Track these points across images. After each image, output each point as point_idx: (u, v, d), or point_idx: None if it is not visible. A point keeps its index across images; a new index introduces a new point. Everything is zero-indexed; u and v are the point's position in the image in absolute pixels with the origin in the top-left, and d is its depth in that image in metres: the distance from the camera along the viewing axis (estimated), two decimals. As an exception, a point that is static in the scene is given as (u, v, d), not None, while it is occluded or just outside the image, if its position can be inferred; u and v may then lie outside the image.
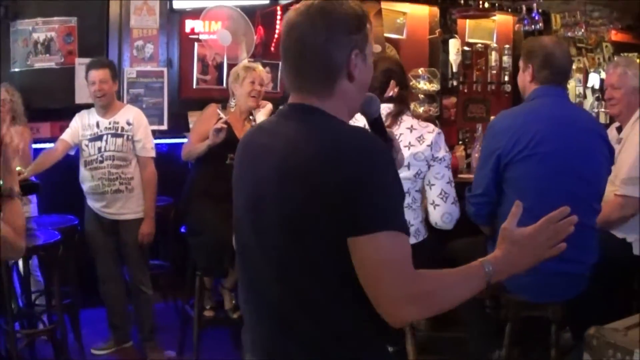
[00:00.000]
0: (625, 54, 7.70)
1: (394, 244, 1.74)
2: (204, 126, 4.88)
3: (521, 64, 3.76)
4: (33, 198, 5.34)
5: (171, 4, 6.14)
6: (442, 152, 3.78)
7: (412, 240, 3.75)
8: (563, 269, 3.47)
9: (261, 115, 5.16)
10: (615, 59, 7.48)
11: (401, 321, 1.78)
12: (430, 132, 3.77)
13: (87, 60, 5.37)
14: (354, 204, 1.73)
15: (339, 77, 1.92)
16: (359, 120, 2.88)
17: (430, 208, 3.81)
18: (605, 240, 3.86)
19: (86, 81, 4.99)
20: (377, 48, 5.99)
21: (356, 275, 1.76)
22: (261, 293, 1.98)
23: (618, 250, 4.04)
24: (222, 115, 4.87)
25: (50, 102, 5.71)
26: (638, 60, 6.44)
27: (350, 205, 1.73)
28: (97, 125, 4.99)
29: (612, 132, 4.36)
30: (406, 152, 3.65)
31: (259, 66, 5.13)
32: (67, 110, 5.64)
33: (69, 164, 5.12)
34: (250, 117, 5.01)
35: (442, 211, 3.79)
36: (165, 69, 6.17)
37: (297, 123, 1.93)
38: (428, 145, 3.70)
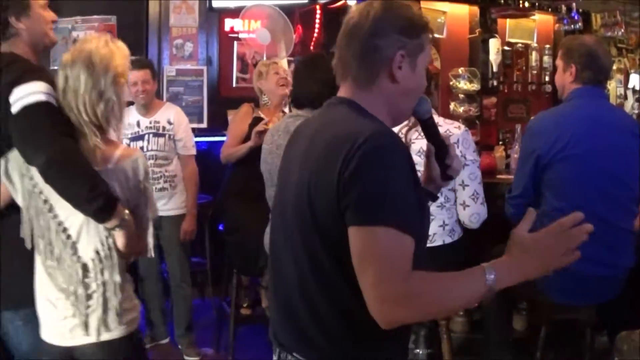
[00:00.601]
0: (666, 55, 7.62)
1: (387, 240, 1.71)
2: (240, 127, 4.92)
3: (560, 63, 3.73)
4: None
5: (210, 3, 6.21)
6: (472, 151, 3.77)
7: (448, 239, 3.77)
8: (598, 272, 3.47)
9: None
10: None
11: (388, 322, 1.73)
12: (457, 128, 3.75)
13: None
14: (350, 193, 1.75)
15: (380, 73, 1.95)
16: None
17: (460, 208, 3.80)
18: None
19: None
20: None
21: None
22: (279, 276, 2.06)
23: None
24: (259, 113, 4.91)
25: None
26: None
27: (348, 195, 1.76)
28: (138, 124, 5.02)
29: None
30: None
31: (277, 59, 5.18)
32: None
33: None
34: (284, 110, 5.04)
35: (471, 212, 3.78)
36: (204, 68, 6.22)
37: (327, 113, 2.03)
38: (455, 143, 3.67)
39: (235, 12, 6.08)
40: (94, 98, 2.50)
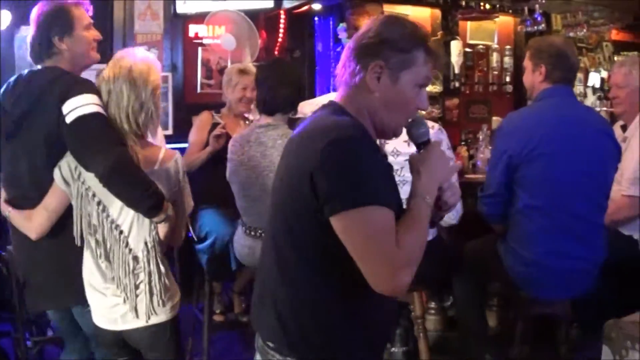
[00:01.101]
0: (626, 53, 7.75)
1: (375, 216, 1.86)
2: (200, 134, 4.92)
3: (529, 64, 3.79)
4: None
5: (175, 9, 6.17)
6: (447, 148, 3.81)
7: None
8: (572, 265, 3.55)
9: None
10: (621, 58, 7.55)
11: (402, 289, 1.89)
12: (431, 128, 3.80)
13: (92, 66, 5.39)
14: (326, 186, 1.88)
15: (359, 80, 2.07)
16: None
17: None
18: (612, 237, 3.91)
19: None
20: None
21: (334, 251, 1.92)
22: (262, 263, 2.22)
23: (625, 247, 4.09)
24: (217, 119, 4.91)
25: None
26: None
27: (324, 188, 1.88)
28: None
29: (617, 131, 4.40)
30: (406, 149, 3.68)
31: (253, 70, 5.16)
32: None
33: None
34: (246, 117, 5.05)
35: None
36: (169, 74, 6.18)
37: (312, 118, 2.14)
38: None
39: (199, 18, 6.07)
40: (136, 109, 2.82)
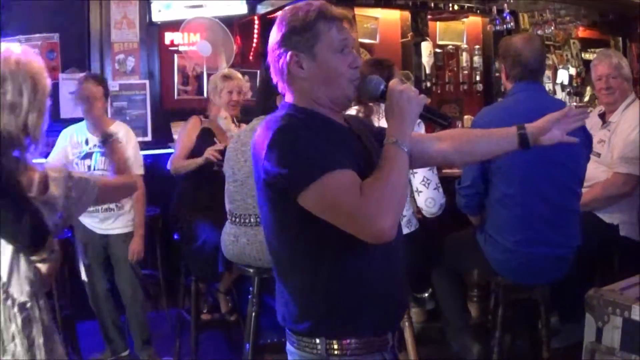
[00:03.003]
0: (593, 50, 7.92)
1: (329, 183, 1.94)
2: (189, 138, 4.99)
3: (499, 64, 3.95)
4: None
5: (150, 17, 6.23)
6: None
7: (405, 230, 3.91)
8: (549, 252, 3.67)
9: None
10: (588, 55, 7.75)
11: (379, 235, 1.92)
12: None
13: (70, 75, 5.50)
14: (279, 172, 2.00)
15: (288, 75, 2.18)
16: None
17: (415, 195, 3.99)
18: (594, 224, 4.06)
19: (75, 95, 4.99)
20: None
21: (306, 234, 2.07)
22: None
23: (606, 233, 4.24)
24: (208, 125, 5.02)
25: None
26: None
27: (276, 174, 2.01)
28: (87, 142, 4.92)
29: (594, 118, 4.58)
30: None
31: (237, 74, 5.22)
32: (51, 126, 5.72)
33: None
34: (235, 122, 5.13)
35: (425, 197, 3.96)
36: (147, 82, 6.24)
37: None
38: None
39: (175, 26, 6.14)
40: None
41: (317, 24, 2.13)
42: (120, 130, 4.97)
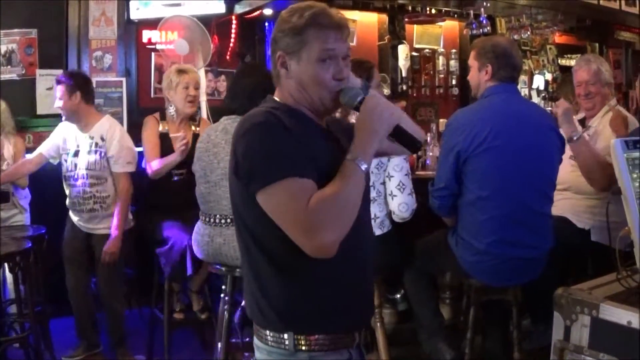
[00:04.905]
0: (569, 56, 7.99)
1: (281, 190, 2.00)
2: (155, 139, 5.00)
3: (475, 63, 3.93)
4: (27, 207, 5.42)
5: (129, 15, 6.21)
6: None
7: (378, 231, 3.95)
8: (522, 254, 3.71)
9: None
10: (565, 61, 7.81)
11: (323, 251, 1.98)
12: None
13: (47, 71, 5.50)
14: (244, 169, 2.07)
15: (278, 72, 2.26)
16: None
17: (389, 199, 4.02)
18: (566, 229, 4.10)
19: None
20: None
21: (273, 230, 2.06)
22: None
23: (577, 237, 4.27)
24: (165, 128, 5.07)
25: (12, 114, 5.63)
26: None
27: (243, 170, 2.08)
28: (76, 139, 4.95)
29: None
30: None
31: (192, 68, 5.23)
32: (28, 122, 5.85)
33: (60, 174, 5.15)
34: (194, 119, 5.17)
35: (399, 201, 4.00)
36: (123, 79, 6.21)
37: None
38: None
39: (153, 24, 6.10)
40: None
41: (308, 31, 2.16)
42: (104, 125, 5.00)
